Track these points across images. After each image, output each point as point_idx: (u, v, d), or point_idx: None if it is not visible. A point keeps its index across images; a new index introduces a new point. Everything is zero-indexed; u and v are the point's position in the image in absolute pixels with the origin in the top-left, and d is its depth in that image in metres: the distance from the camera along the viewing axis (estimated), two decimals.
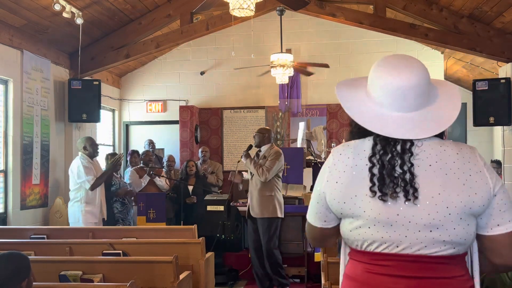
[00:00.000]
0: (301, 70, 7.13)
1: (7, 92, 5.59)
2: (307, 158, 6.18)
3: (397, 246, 1.34)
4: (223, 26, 6.74)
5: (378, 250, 1.36)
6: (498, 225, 1.35)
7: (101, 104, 6.82)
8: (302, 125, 6.92)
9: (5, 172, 5.50)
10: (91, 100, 6.55)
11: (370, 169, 1.36)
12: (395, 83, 1.37)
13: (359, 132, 1.46)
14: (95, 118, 6.70)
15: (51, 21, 5.81)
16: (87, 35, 6.43)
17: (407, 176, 1.33)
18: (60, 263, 3.20)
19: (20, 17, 5.45)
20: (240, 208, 5.99)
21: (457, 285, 1.35)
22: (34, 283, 2.31)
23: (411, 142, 1.37)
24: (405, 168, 1.34)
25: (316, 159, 6.19)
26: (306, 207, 5.04)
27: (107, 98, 7.99)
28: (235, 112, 8.51)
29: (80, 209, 5.21)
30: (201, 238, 3.99)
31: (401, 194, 1.32)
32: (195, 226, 4.50)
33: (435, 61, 7.77)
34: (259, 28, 7.86)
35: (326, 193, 1.42)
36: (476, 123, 6.26)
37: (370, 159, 1.37)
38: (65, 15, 5.43)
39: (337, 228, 1.49)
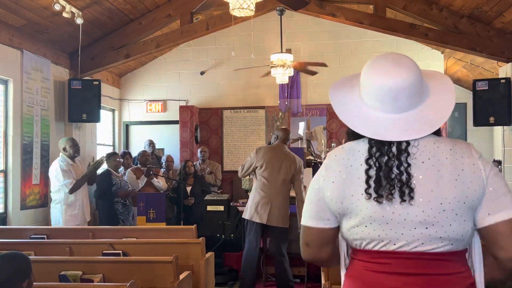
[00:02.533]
0: (304, 69, 7.10)
1: (7, 92, 5.58)
2: (307, 158, 6.17)
3: (394, 244, 1.34)
4: (223, 26, 6.74)
5: (376, 248, 1.37)
6: (489, 214, 1.32)
7: (101, 104, 6.82)
8: (302, 125, 6.92)
9: (5, 172, 5.50)
10: (91, 100, 6.55)
11: (367, 171, 1.36)
12: (386, 85, 1.35)
13: (354, 133, 1.45)
14: (95, 118, 6.70)
15: (51, 21, 5.81)
16: (87, 35, 6.43)
17: (404, 176, 1.33)
18: (60, 263, 3.20)
19: (20, 17, 5.45)
20: (240, 208, 5.99)
21: (456, 282, 1.34)
22: (34, 283, 2.31)
23: (407, 142, 1.36)
24: (402, 168, 1.34)
25: (316, 159, 6.19)
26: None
27: (107, 98, 7.99)
28: (235, 112, 8.51)
29: (60, 211, 5.20)
30: (201, 238, 3.98)
31: (396, 195, 1.32)
32: (195, 226, 4.50)
33: (435, 61, 7.78)
34: (259, 28, 7.86)
35: (325, 193, 1.41)
36: (476, 123, 6.26)
37: (367, 161, 1.37)
38: (65, 15, 5.43)
39: (335, 233, 1.47)
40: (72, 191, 5.18)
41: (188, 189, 6.63)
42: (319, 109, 8.27)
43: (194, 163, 7.13)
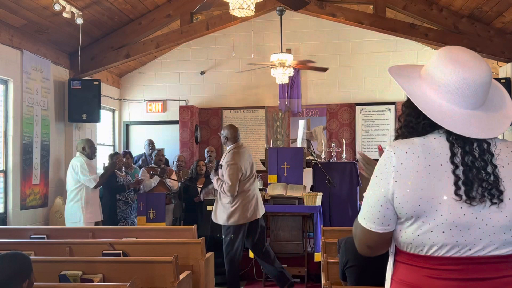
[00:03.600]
0: (309, 67, 7.07)
1: (7, 92, 5.59)
2: (307, 158, 6.17)
3: (470, 250, 1.31)
4: (223, 26, 6.74)
5: (448, 254, 1.32)
6: None
7: (101, 104, 6.83)
8: (302, 123, 6.91)
9: (5, 172, 5.50)
10: (91, 100, 6.56)
11: (454, 172, 1.30)
12: (468, 78, 1.32)
13: (423, 128, 1.39)
14: (95, 118, 6.71)
15: (51, 21, 5.81)
16: (87, 35, 6.44)
17: (492, 178, 1.30)
18: (60, 263, 3.20)
19: (20, 17, 5.45)
20: None
21: None
22: (34, 283, 2.31)
23: (487, 142, 1.34)
24: (489, 170, 1.30)
25: (316, 159, 6.18)
26: (306, 207, 5.06)
27: (107, 98, 7.99)
28: (235, 112, 8.51)
29: (80, 209, 5.25)
30: (201, 238, 3.98)
31: (487, 198, 1.29)
32: (195, 226, 4.50)
33: None
34: (259, 28, 7.86)
35: (396, 194, 1.33)
36: None
37: (452, 160, 1.31)
38: (65, 15, 5.43)
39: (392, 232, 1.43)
40: (97, 186, 5.34)
41: (198, 189, 6.59)
42: (319, 109, 8.27)
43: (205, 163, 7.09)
